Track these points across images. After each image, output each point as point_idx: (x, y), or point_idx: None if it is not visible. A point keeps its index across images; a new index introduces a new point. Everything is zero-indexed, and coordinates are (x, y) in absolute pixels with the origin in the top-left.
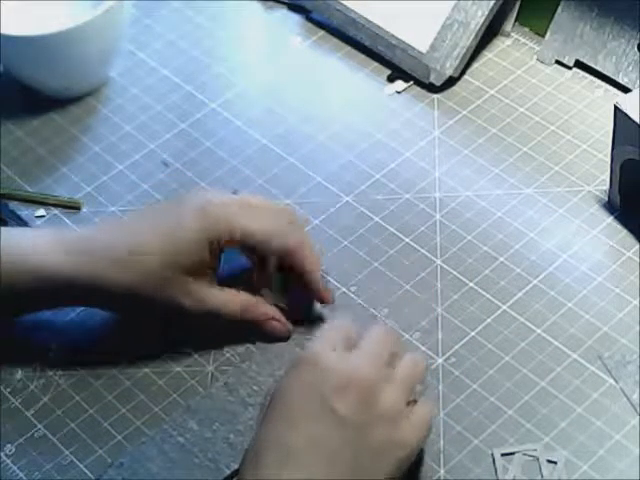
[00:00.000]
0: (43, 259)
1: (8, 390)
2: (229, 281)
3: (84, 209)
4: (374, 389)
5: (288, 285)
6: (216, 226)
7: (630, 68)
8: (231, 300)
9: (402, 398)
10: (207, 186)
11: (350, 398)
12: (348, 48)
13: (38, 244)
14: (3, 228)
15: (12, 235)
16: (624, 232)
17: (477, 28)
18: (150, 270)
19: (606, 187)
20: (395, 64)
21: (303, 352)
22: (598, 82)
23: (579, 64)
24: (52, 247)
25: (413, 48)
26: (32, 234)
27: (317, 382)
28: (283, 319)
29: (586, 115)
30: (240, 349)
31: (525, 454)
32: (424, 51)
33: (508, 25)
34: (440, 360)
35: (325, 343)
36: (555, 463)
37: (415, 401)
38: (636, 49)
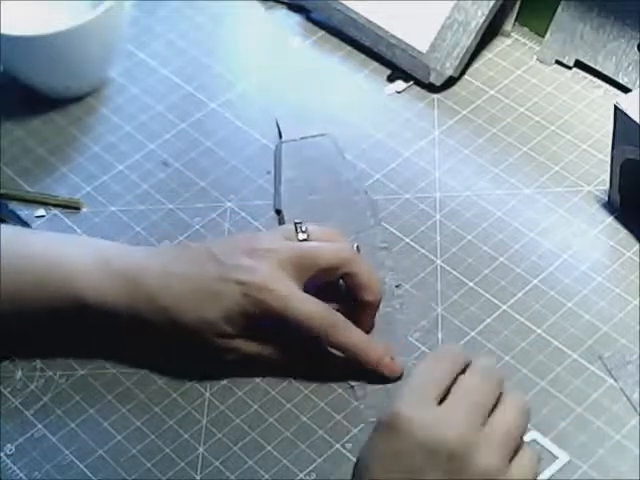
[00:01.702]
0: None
1: (8, 390)
2: None
3: (84, 209)
4: (468, 453)
5: None
6: (255, 304)
7: (630, 68)
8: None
9: (502, 458)
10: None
11: (440, 468)
12: (348, 48)
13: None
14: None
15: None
16: (624, 232)
17: (477, 28)
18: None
19: (606, 187)
20: (395, 64)
21: (383, 414)
22: (598, 82)
23: (579, 64)
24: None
25: (413, 48)
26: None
27: (400, 452)
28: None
29: (586, 115)
30: None
31: None
32: (424, 51)
33: (508, 25)
34: None
35: (408, 397)
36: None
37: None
38: (636, 49)
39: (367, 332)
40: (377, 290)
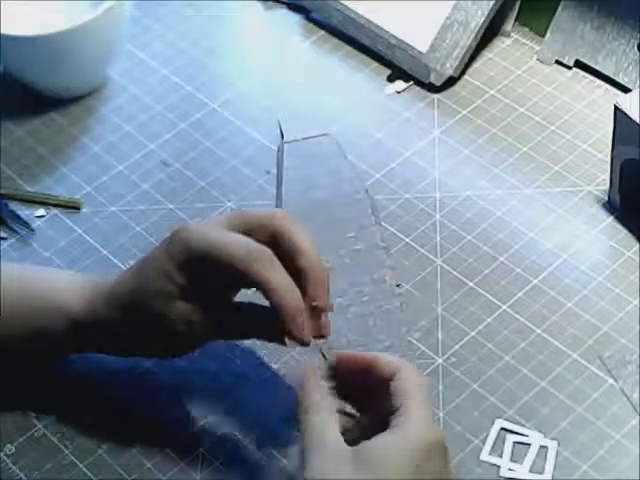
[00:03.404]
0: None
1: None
2: None
3: (84, 209)
4: None
5: None
6: (180, 246)
7: (630, 68)
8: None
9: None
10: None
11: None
12: (348, 48)
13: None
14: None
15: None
16: (624, 232)
17: (477, 28)
18: (124, 302)
19: (606, 187)
20: (395, 64)
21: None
22: (598, 82)
23: (579, 64)
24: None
25: (413, 48)
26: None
27: None
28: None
29: (586, 115)
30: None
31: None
32: (424, 51)
33: (508, 25)
34: (440, 360)
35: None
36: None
37: None
38: (636, 49)
39: (318, 314)
40: (312, 255)
